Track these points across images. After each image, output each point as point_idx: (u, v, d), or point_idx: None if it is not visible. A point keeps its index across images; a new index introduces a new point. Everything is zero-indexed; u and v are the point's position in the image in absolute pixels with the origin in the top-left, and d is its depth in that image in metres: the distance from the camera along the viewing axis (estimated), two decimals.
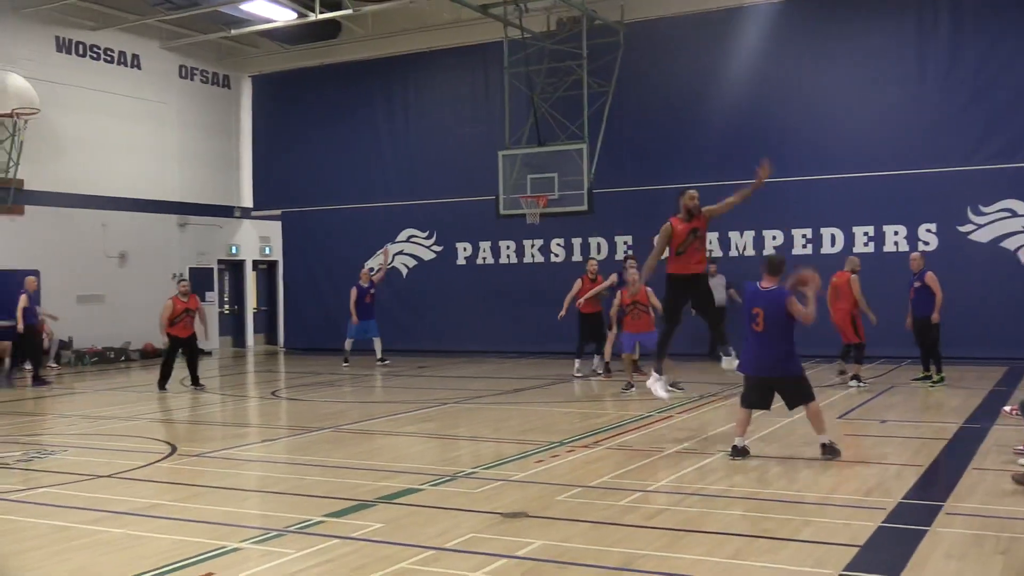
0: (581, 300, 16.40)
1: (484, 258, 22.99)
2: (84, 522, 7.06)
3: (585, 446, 9.87)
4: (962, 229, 18.45)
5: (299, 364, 21.93)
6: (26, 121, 20.52)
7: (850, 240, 19.23)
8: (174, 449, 10.20)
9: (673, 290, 10.44)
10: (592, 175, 18.77)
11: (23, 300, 17.99)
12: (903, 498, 7.37)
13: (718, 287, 18.85)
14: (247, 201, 26.86)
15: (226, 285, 27.32)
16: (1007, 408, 10.63)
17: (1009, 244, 18.12)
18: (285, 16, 21.96)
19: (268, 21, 22.34)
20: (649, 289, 14.36)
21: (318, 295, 24.99)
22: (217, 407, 14.64)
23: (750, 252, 20.06)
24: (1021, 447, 8.53)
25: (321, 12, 21.21)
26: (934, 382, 14.17)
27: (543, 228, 20.68)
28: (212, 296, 25.92)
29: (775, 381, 8.94)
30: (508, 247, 22.65)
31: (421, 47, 23.48)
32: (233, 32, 23.54)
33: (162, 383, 15.80)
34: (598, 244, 21.59)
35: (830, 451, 8.80)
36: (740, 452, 8.91)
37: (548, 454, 9.43)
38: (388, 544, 6.27)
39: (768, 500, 7.48)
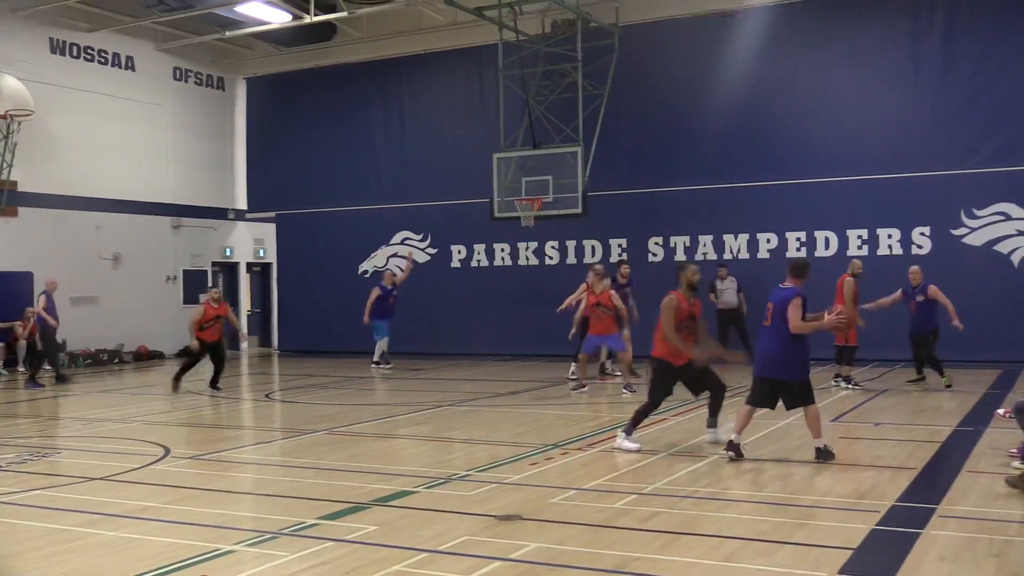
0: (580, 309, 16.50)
1: (479, 260, 22.98)
2: (78, 524, 7.05)
3: (579, 449, 9.88)
4: (956, 232, 18.49)
5: (293, 366, 21.90)
6: (20, 123, 20.46)
7: (844, 243, 19.26)
8: (168, 451, 10.18)
9: (665, 378, 9.61)
10: (587, 178, 18.78)
11: (42, 300, 18.00)
12: (897, 501, 7.38)
13: (729, 290, 18.94)
14: (241, 203, 26.83)
15: (220, 287, 27.21)
16: (1000, 411, 10.64)
17: (1003, 247, 18.16)
18: (280, 18, 21.94)
19: (263, 23, 22.33)
20: (613, 292, 14.61)
21: (312, 297, 24.98)
22: (211, 409, 14.62)
23: (744, 255, 20.09)
24: (1015, 450, 8.54)
25: (316, 14, 21.20)
26: (947, 385, 14.13)
27: (538, 231, 20.68)
28: (205, 299, 25.84)
29: (779, 383, 8.97)
30: (503, 250, 22.65)
31: (416, 49, 23.47)
32: (228, 34, 23.51)
33: (176, 385, 15.82)
34: (592, 247, 21.59)
35: (824, 455, 8.83)
36: (734, 448, 8.93)
37: (543, 457, 9.44)
38: (382, 547, 6.27)
39: (762, 503, 7.49)
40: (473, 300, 22.53)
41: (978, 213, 18.33)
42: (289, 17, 21.80)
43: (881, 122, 19.10)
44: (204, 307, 16.06)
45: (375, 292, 19.55)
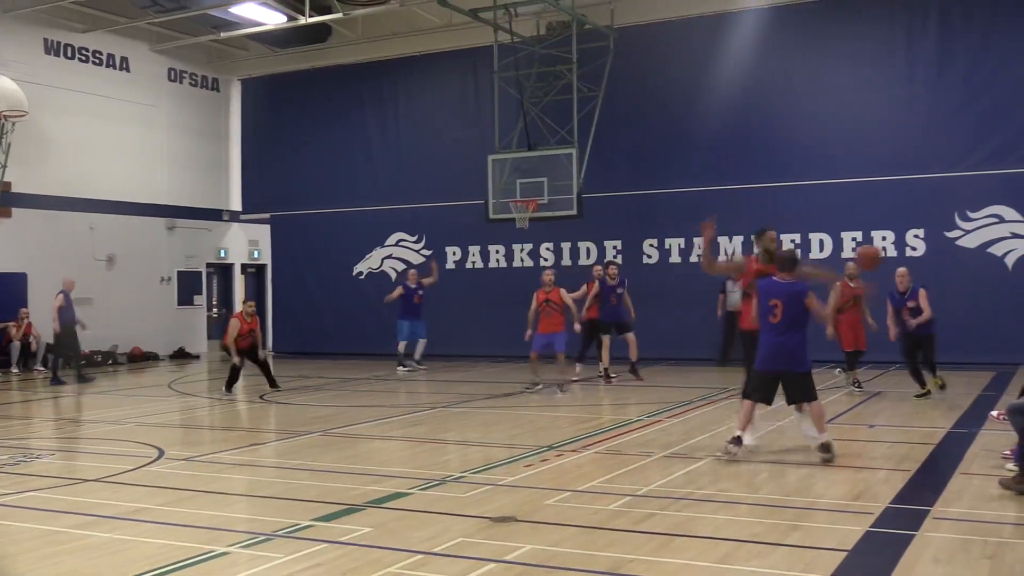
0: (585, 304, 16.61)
1: (473, 262, 22.99)
2: (73, 526, 7.03)
3: (574, 450, 9.88)
4: (950, 235, 18.54)
5: (288, 368, 21.85)
6: (14, 123, 20.43)
7: (838, 245, 19.30)
8: (162, 453, 10.17)
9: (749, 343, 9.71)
10: (581, 180, 18.79)
11: (59, 300, 17.95)
12: (891, 503, 7.39)
13: (736, 292, 18.91)
14: (236, 204, 26.81)
15: (215, 289, 27.27)
16: (994, 413, 10.67)
17: (996, 250, 18.21)
18: (275, 19, 21.93)
19: (258, 24, 22.32)
20: (563, 289, 14.85)
21: (307, 299, 24.96)
22: (205, 411, 14.60)
23: (739, 257, 20.06)
24: (1008, 452, 8.56)
25: (311, 16, 21.20)
26: (941, 386, 14.09)
27: (532, 232, 20.68)
28: (200, 300, 25.87)
29: (782, 375, 9.00)
30: (497, 251, 22.66)
31: (411, 51, 23.49)
32: (222, 35, 23.50)
33: (229, 386, 15.79)
34: (587, 249, 21.61)
35: (826, 449, 8.87)
36: (739, 443, 9.02)
37: (537, 458, 9.44)
38: (376, 548, 6.27)
39: (757, 504, 7.49)
40: (468, 302, 22.50)
41: (972, 215, 18.38)
42: (284, 18, 21.80)
43: (876, 124, 19.15)
44: (239, 320, 15.75)
45: (398, 291, 19.44)
